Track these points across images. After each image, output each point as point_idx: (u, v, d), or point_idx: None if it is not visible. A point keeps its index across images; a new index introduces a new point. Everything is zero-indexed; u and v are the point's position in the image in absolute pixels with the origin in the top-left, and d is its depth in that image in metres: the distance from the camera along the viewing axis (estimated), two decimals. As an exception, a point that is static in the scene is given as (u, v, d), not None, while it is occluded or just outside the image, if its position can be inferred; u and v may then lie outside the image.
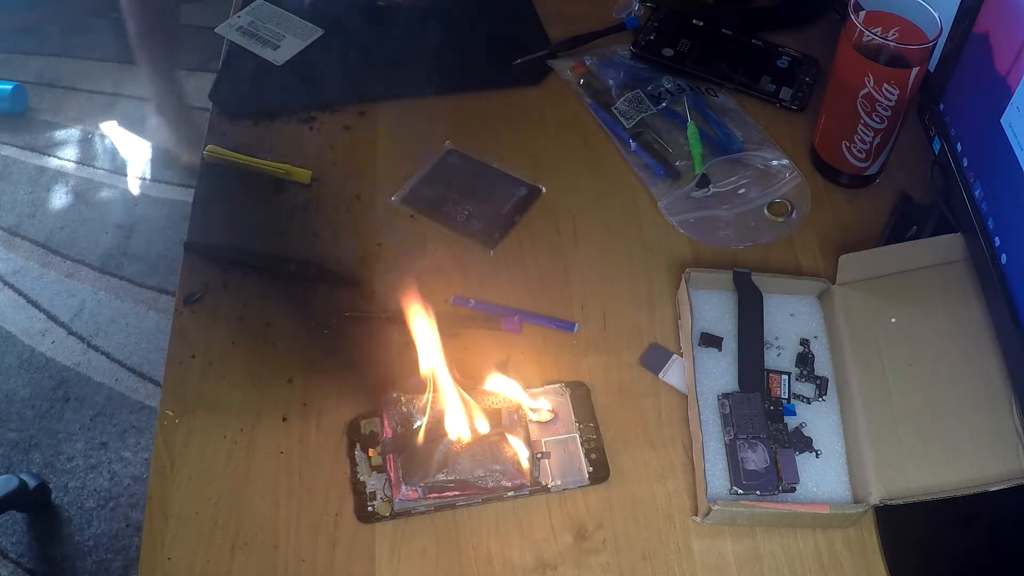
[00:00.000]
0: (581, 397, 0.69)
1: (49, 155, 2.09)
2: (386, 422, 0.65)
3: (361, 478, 0.65)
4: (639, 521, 0.64)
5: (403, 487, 0.63)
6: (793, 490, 0.64)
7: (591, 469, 0.66)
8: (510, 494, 0.64)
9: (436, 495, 0.63)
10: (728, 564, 0.63)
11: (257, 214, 0.83)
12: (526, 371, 0.71)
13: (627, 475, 0.66)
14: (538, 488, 0.65)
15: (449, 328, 0.74)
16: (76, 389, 1.67)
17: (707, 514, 0.62)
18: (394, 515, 0.64)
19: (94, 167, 2.07)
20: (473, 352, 0.73)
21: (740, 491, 0.64)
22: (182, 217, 0.84)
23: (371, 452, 0.66)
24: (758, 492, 0.64)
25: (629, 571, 0.62)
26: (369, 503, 0.64)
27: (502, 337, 0.74)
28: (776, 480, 0.64)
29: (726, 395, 0.69)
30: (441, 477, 0.62)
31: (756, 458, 0.65)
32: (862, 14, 0.73)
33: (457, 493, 0.63)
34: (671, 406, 0.70)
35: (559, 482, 0.65)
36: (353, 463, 0.66)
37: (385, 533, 0.64)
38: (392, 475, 0.64)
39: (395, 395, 0.66)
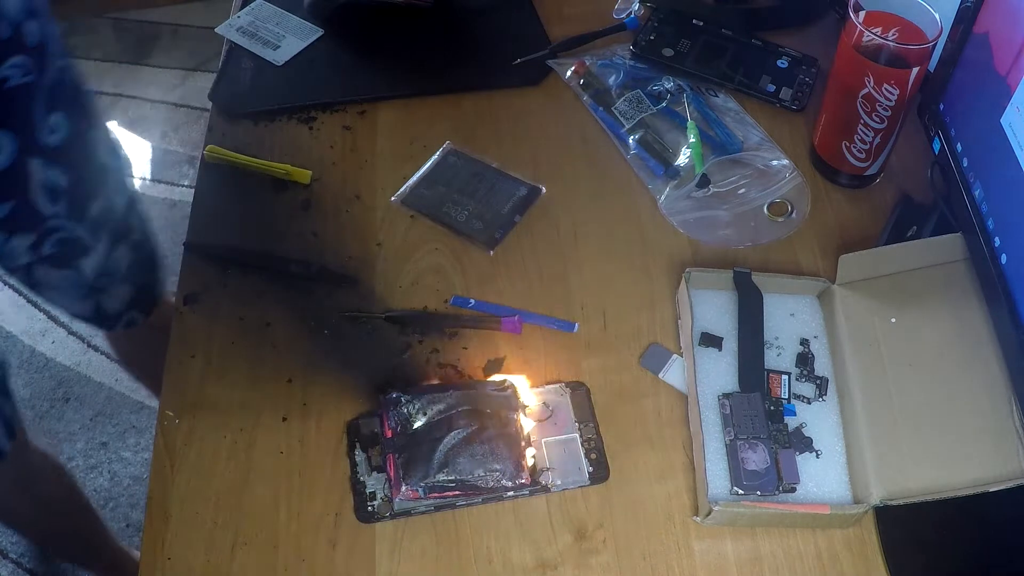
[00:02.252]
0: (581, 397, 0.69)
1: (49, 155, 2.09)
2: (386, 422, 0.65)
3: (361, 478, 0.65)
4: (639, 521, 0.64)
5: (403, 487, 0.63)
6: (793, 490, 0.64)
7: (591, 469, 0.66)
8: (510, 494, 0.64)
9: (436, 495, 0.63)
10: (728, 564, 0.63)
11: (257, 214, 0.83)
12: (526, 371, 0.71)
13: (627, 475, 0.66)
14: (538, 488, 0.65)
15: (449, 328, 0.74)
16: (76, 389, 1.67)
17: (708, 514, 0.62)
18: (394, 515, 0.64)
19: (94, 167, 2.06)
20: (473, 352, 0.73)
21: (741, 491, 0.64)
22: (182, 217, 0.84)
23: (371, 452, 0.66)
24: (759, 492, 0.64)
25: (629, 571, 0.62)
26: (369, 503, 0.64)
27: (502, 337, 0.74)
28: (777, 480, 0.64)
29: (726, 395, 0.69)
30: (441, 477, 0.62)
31: (757, 458, 0.65)
32: (862, 14, 0.73)
33: (457, 493, 0.63)
34: (671, 406, 0.70)
35: (559, 482, 0.65)
36: (353, 463, 0.66)
37: (385, 533, 0.64)
38: (392, 475, 0.64)
39: (395, 395, 0.66)
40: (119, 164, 0.96)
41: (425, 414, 0.65)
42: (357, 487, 0.65)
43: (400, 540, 0.63)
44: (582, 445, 0.67)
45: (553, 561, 0.63)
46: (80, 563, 1.41)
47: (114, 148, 0.94)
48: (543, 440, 0.67)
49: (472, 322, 0.75)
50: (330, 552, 0.63)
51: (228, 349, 0.74)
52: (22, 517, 1.22)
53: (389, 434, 0.65)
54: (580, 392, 0.70)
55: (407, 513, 0.64)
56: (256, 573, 0.63)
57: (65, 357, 1.70)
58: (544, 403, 0.68)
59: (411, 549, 0.63)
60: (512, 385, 0.67)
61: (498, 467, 0.63)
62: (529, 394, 0.68)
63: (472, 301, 0.76)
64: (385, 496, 0.64)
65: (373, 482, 0.65)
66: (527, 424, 0.66)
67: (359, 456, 0.66)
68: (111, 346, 1.24)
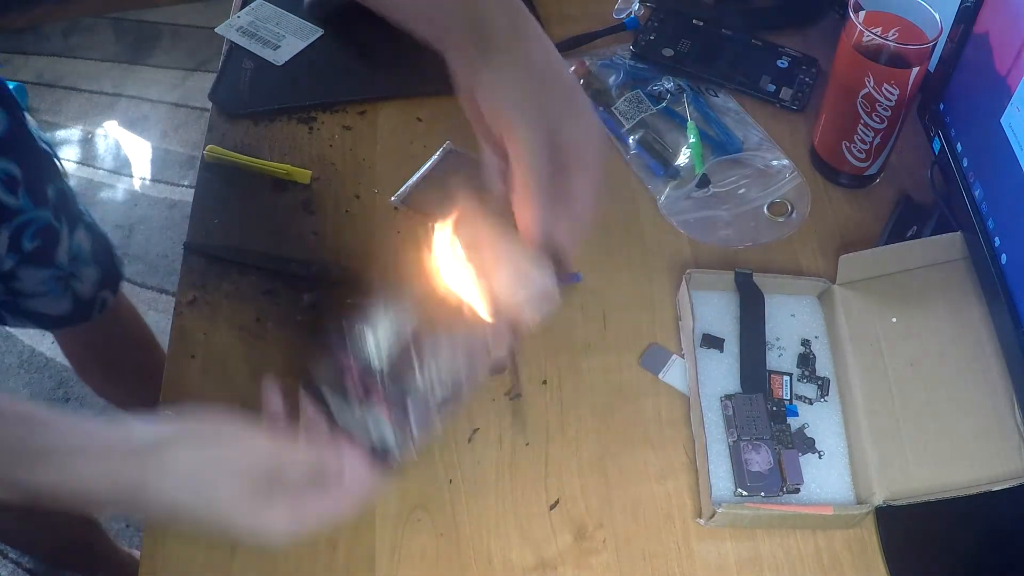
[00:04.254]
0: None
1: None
2: (353, 375, 0.58)
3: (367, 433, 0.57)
4: (639, 521, 0.64)
5: (411, 417, 0.56)
6: (797, 491, 0.64)
7: (550, 270, 0.56)
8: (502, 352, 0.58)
9: (443, 404, 0.57)
10: (728, 564, 0.63)
11: (257, 214, 0.83)
12: (525, 371, 0.71)
13: (627, 475, 0.66)
14: (518, 324, 0.57)
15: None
16: (76, 389, 1.67)
17: (712, 516, 0.62)
18: (416, 445, 0.56)
19: (94, 167, 2.07)
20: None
21: (744, 492, 0.64)
22: (182, 217, 0.84)
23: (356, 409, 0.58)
24: (763, 494, 0.64)
25: (629, 571, 0.62)
26: (387, 454, 0.56)
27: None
28: (781, 481, 0.64)
29: (728, 396, 0.69)
30: (439, 391, 0.57)
31: (760, 459, 0.65)
32: (862, 14, 0.73)
33: (460, 386, 0.57)
34: (671, 406, 0.70)
35: (526, 302, 0.56)
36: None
37: (385, 533, 0.64)
38: (392, 417, 0.57)
39: (341, 353, 0.58)
40: (51, 150, 0.97)
41: (384, 346, 0.58)
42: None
43: (400, 540, 0.63)
44: (528, 257, 0.56)
45: (553, 561, 0.63)
46: (86, 573, 1.41)
47: (41, 135, 0.96)
48: (491, 279, 0.57)
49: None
50: (330, 552, 0.63)
51: (228, 349, 0.74)
52: (29, 538, 1.23)
53: (367, 390, 0.58)
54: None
55: (427, 432, 0.57)
56: (256, 573, 0.63)
57: (65, 357, 1.70)
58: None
59: (411, 549, 0.63)
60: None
61: (475, 340, 0.57)
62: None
63: None
64: (396, 439, 0.57)
65: (375, 430, 0.57)
66: (470, 281, 0.58)
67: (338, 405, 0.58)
68: (62, 349, 1.24)
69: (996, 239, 0.65)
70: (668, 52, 0.93)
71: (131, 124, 2.17)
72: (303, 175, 0.85)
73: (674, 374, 0.71)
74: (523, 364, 0.72)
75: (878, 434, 0.65)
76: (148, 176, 2.05)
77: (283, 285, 0.77)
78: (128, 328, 1.18)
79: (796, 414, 0.68)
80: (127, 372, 1.23)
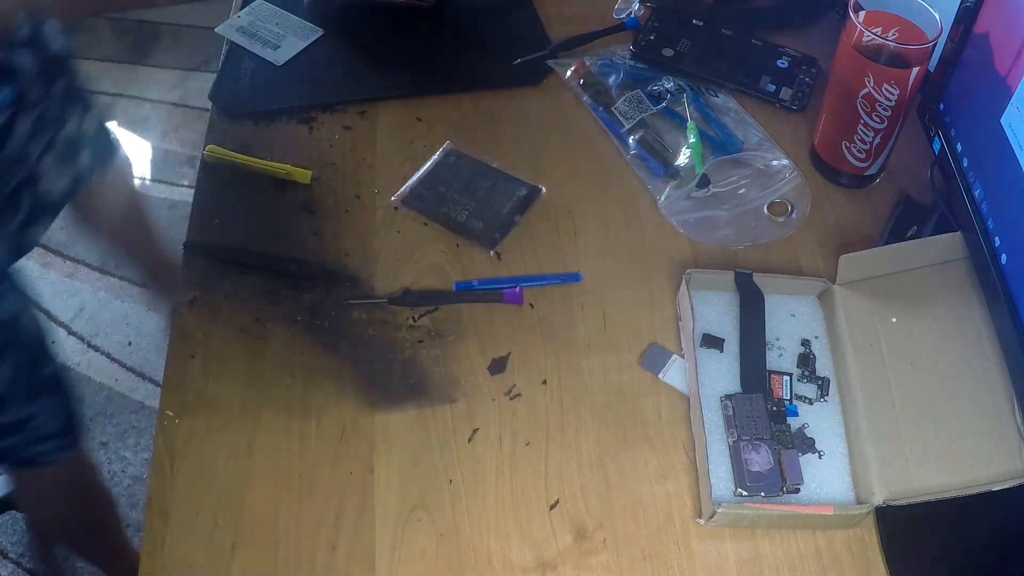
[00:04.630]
0: None
1: (49, 155, 2.08)
2: None
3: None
4: (639, 521, 0.64)
5: None
6: (797, 491, 0.64)
7: None
8: None
9: None
10: (728, 564, 0.63)
11: (257, 214, 0.83)
12: (524, 371, 0.71)
13: (627, 475, 0.66)
14: None
15: (451, 327, 0.74)
16: (76, 389, 1.66)
17: (712, 516, 0.62)
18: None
19: (94, 167, 2.06)
20: (475, 351, 0.73)
21: (744, 492, 0.64)
22: (182, 217, 0.84)
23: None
24: (763, 494, 0.64)
25: (629, 571, 0.62)
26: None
27: (504, 335, 0.74)
28: (780, 481, 0.64)
29: (728, 396, 0.69)
30: None
31: (760, 459, 0.65)
32: (862, 14, 0.73)
33: None
34: (671, 406, 0.70)
35: None
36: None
37: (385, 534, 0.64)
38: None
39: None
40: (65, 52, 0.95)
41: None
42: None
43: (400, 540, 0.63)
44: None
45: (553, 561, 0.63)
46: (98, 559, 1.41)
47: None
48: None
49: (474, 297, 0.75)
50: (330, 552, 0.63)
51: (228, 349, 0.74)
52: (58, 522, 1.22)
53: None
54: None
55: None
56: (256, 573, 0.63)
57: (65, 357, 1.70)
58: None
59: (411, 549, 0.63)
60: None
61: None
62: None
63: (475, 283, 0.77)
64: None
65: None
66: None
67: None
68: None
69: (996, 239, 0.65)
70: (668, 52, 0.93)
71: (131, 124, 2.17)
72: (303, 175, 0.85)
73: (674, 374, 0.71)
74: (523, 364, 0.72)
75: (878, 434, 0.65)
76: (148, 176, 2.05)
77: (283, 285, 0.77)
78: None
79: (796, 414, 0.68)
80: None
